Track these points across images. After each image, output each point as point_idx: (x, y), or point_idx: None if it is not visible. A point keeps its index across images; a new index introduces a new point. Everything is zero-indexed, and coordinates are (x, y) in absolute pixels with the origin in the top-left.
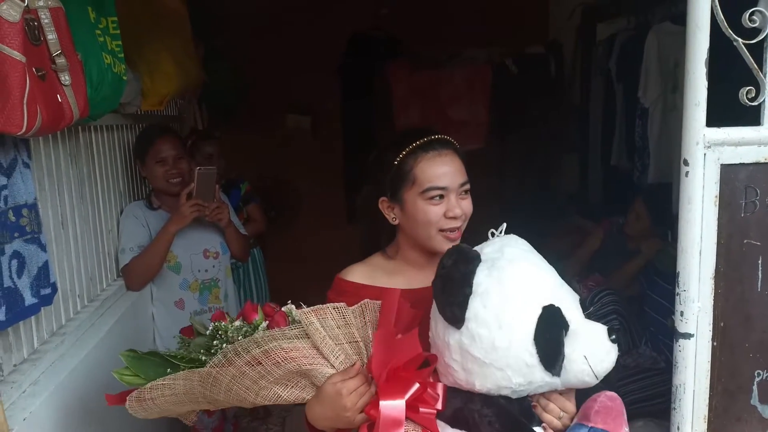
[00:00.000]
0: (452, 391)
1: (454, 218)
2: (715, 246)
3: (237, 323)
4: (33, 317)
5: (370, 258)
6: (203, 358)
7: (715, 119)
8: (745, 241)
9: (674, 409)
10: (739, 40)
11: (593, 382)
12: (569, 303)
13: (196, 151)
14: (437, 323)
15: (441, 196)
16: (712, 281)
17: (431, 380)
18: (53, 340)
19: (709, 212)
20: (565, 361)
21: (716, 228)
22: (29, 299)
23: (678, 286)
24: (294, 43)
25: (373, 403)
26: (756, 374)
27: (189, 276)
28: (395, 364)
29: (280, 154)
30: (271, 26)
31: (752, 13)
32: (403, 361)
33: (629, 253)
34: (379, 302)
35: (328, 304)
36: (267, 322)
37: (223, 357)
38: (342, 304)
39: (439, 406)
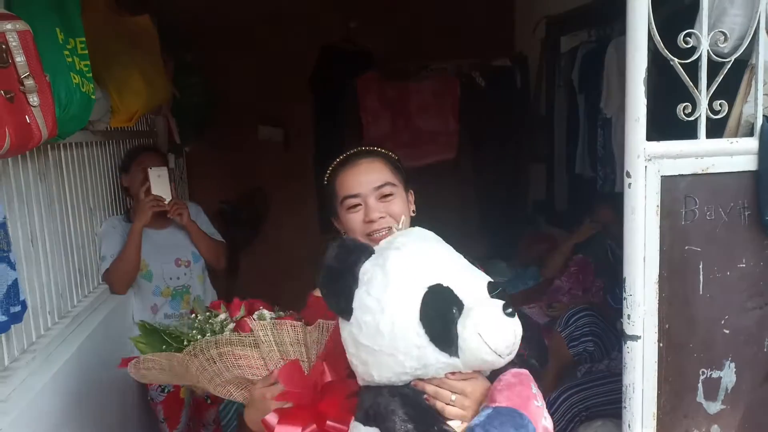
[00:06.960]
0: (364, 390)
1: (372, 221)
2: (658, 253)
3: (222, 316)
4: (3, 335)
5: None
6: (189, 341)
7: (671, 132)
8: (686, 248)
9: (625, 408)
10: (675, 60)
11: (496, 360)
12: (468, 284)
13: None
14: (338, 319)
15: (358, 204)
16: (657, 286)
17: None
18: (24, 357)
19: (651, 221)
20: (459, 340)
21: (659, 236)
22: None
23: (624, 291)
24: (265, 56)
25: (283, 412)
26: (701, 372)
27: (161, 283)
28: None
29: (252, 165)
30: (242, 39)
31: (687, 35)
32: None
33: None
34: (331, 323)
35: (286, 321)
36: (234, 324)
37: (192, 349)
38: (299, 324)
39: None
